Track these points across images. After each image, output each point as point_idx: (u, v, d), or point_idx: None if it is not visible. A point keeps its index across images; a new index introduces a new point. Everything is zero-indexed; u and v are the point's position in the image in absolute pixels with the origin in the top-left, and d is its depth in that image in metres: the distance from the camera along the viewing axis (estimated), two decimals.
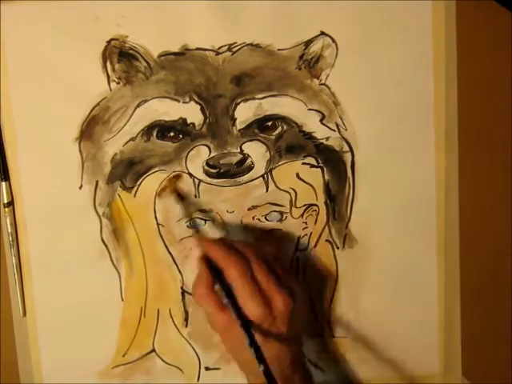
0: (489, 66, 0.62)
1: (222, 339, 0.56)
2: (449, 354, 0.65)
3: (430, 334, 0.65)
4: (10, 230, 0.60)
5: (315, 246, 0.63)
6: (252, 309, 0.52)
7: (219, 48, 0.59)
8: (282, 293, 0.53)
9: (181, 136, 0.60)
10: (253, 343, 0.50)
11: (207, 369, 0.65)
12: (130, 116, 0.59)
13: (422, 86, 0.62)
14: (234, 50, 0.59)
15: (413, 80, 0.62)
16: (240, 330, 0.51)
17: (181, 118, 0.59)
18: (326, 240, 0.63)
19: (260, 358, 0.49)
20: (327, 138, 0.61)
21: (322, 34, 0.60)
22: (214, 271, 0.54)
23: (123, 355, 0.64)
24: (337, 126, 0.61)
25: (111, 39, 0.58)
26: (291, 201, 0.62)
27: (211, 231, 0.62)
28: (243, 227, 0.62)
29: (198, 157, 0.60)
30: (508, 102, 0.63)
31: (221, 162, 0.60)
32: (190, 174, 0.60)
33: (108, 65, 0.58)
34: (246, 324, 0.51)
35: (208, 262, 0.54)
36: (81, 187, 0.60)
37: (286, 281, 0.55)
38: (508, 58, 0.62)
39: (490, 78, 0.62)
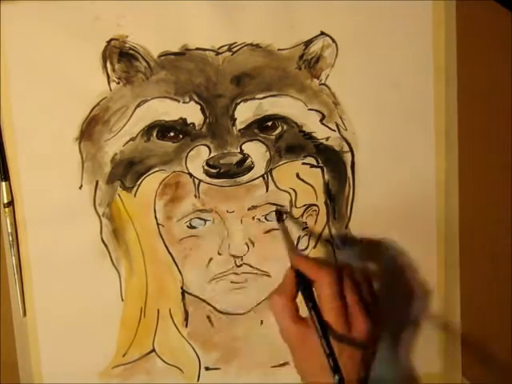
0: (489, 66, 0.62)
1: (291, 352, 0.55)
2: (449, 353, 0.65)
3: (430, 334, 0.65)
4: (9, 230, 0.60)
5: (315, 246, 0.63)
6: (333, 323, 0.51)
7: (219, 48, 0.59)
8: (365, 318, 0.52)
9: (181, 136, 0.60)
10: (330, 351, 0.49)
11: (207, 369, 0.65)
12: (130, 116, 0.59)
13: (422, 86, 0.62)
14: (234, 50, 0.59)
15: (413, 80, 0.62)
16: (313, 343, 0.50)
17: (181, 118, 0.59)
18: (326, 240, 0.63)
19: (336, 368, 0.48)
20: (327, 138, 0.61)
21: (322, 34, 0.60)
22: (301, 281, 0.53)
23: (123, 355, 0.63)
24: (337, 126, 0.61)
25: (111, 39, 0.58)
26: (291, 201, 0.62)
27: (211, 231, 0.62)
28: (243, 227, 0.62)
29: (198, 157, 0.60)
30: (508, 102, 0.63)
31: (221, 161, 0.60)
32: (190, 174, 0.60)
33: (108, 65, 0.58)
34: (325, 331, 0.50)
35: (297, 274, 0.54)
36: (81, 187, 0.60)
37: (372, 306, 0.54)
38: (508, 58, 0.62)
39: (489, 78, 0.62)
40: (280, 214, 0.62)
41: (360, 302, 0.53)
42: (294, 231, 0.63)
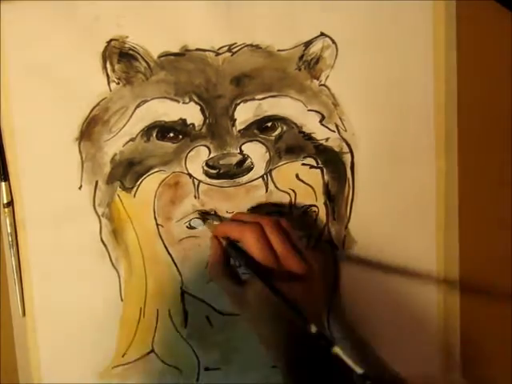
0: (489, 66, 0.62)
1: (243, 315, 0.56)
2: (449, 353, 0.65)
3: (429, 336, 0.65)
4: (9, 230, 0.60)
5: (314, 246, 0.63)
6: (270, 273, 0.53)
7: (219, 49, 0.59)
8: (297, 259, 0.54)
9: (180, 136, 0.60)
10: (277, 291, 0.50)
11: (206, 369, 0.65)
12: (130, 116, 0.59)
13: (422, 87, 0.62)
14: (234, 50, 0.59)
15: (413, 81, 0.62)
16: (261, 301, 0.52)
17: (180, 119, 0.59)
18: (326, 241, 0.63)
19: (288, 303, 0.49)
20: (327, 139, 0.61)
21: (322, 34, 0.60)
22: (229, 245, 0.55)
23: (122, 355, 0.64)
24: (336, 126, 0.61)
25: (111, 39, 0.58)
26: (291, 201, 0.62)
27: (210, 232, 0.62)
28: None
29: (198, 157, 0.60)
30: (508, 103, 0.63)
31: (220, 162, 0.60)
32: (190, 175, 0.60)
33: (108, 65, 0.58)
34: (264, 276, 0.52)
35: (221, 241, 0.56)
36: (80, 187, 0.60)
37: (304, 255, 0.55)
38: (508, 58, 0.62)
39: (490, 78, 0.62)
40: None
41: (288, 245, 0.54)
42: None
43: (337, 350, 0.46)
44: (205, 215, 0.61)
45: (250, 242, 0.54)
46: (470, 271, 0.65)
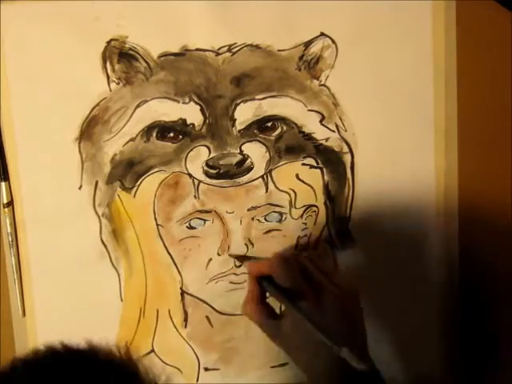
0: (489, 66, 0.62)
1: (284, 349, 0.56)
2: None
3: (429, 338, 0.65)
4: (9, 230, 0.60)
5: (315, 246, 0.63)
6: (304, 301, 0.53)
7: (219, 49, 0.59)
8: (334, 289, 0.54)
9: (180, 136, 0.60)
10: (316, 323, 0.50)
11: (206, 369, 0.65)
12: (130, 116, 0.59)
13: (422, 87, 0.62)
14: (234, 50, 0.59)
15: (412, 81, 0.62)
16: (298, 331, 0.52)
17: (180, 119, 0.59)
18: (326, 241, 0.63)
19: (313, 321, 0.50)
20: (327, 139, 0.61)
21: (322, 34, 0.60)
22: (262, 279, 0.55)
23: None
24: (336, 126, 0.61)
25: (111, 39, 0.58)
26: (291, 201, 0.62)
27: (210, 232, 0.62)
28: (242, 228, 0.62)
29: (198, 157, 0.60)
30: (508, 102, 0.63)
31: (220, 162, 0.60)
32: (190, 175, 0.60)
33: (108, 65, 0.58)
34: (293, 298, 0.52)
35: (257, 278, 0.56)
36: (80, 187, 0.60)
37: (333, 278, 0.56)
38: (508, 58, 0.62)
39: (489, 78, 0.63)
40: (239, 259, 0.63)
41: (321, 276, 0.54)
42: (294, 232, 0.63)
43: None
44: (242, 258, 0.62)
45: (281, 274, 0.54)
46: (470, 271, 0.65)
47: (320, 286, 0.54)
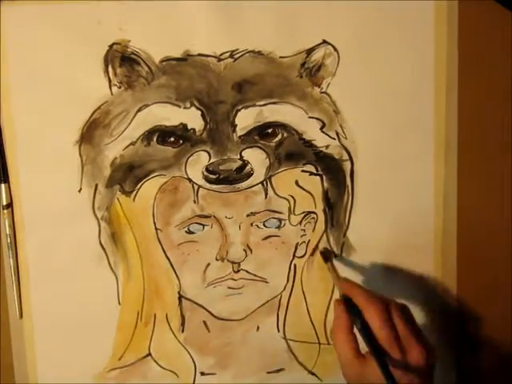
0: (490, 74, 0.62)
1: None
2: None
3: None
4: (8, 232, 0.60)
5: (313, 253, 0.63)
6: (388, 351, 0.51)
7: (221, 54, 0.59)
8: (419, 344, 0.52)
9: (181, 141, 0.60)
10: (390, 378, 0.49)
11: (202, 374, 0.65)
12: (131, 120, 0.59)
13: (423, 96, 0.62)
14: (236, 56, 0.59)
15: (413, 89, 0.62)
16: (373, 379, 0.50)
17: (181, 124, 0.59)
18: (321, 252, 0.63)
19: (389, 376, 0.48)
20: (327, 146, 0.62)
21: (324, 42, 0.60)
22: (352, 312, 0.53)
23: (119, 359, 0.63)
24: (337, 134, 0.61)
25: (113, 43, 0.58)
26: (290, 208, 0.62)
27: (209, 237, 0.62)
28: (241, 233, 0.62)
29: (198, 162, 0.60)
30: (509, 109, 0.63)
31: (220, 167, 0.60)
32: (190, 180, 0.60)
33: (110, 69, 0.58)
34: (383, 360, 0.50)
35: (346, 304, 0.54)
36: (80, 190, 0.60)
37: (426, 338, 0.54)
38: (508, 58, 0.62)
39: (491, 86, 0.63)
40: (327, 254, 0.62)
41: (412, 330, 0.52)
42: (293, 238, 0.63)
43: None
44: (329, 253, 0.62)
45: (374, 315, 0.52)
46: (469, 279, 0.65)
47: (411, 344, 0.52)
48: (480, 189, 0.64)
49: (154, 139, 0.60)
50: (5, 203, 0.60)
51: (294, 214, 0.62)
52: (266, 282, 0.64)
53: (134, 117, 0.59)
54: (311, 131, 0.61)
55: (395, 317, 0.53)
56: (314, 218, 0.63)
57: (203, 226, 0.62)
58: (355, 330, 0.53)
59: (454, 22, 0.61)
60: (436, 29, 0.61)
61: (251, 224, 0.62)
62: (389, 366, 0.49)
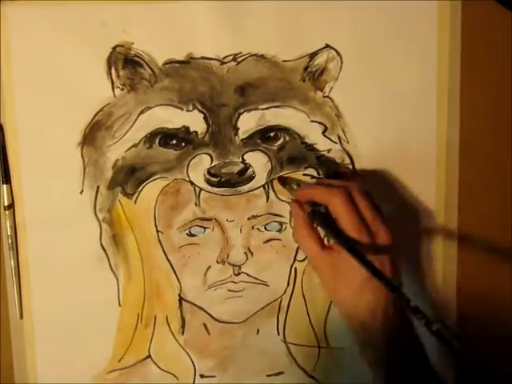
0: (494, 78, 0.62)
1: (325, 282, 0.55)
2: None
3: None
4: (9, 233, 0.60)
5: None
6: (356, 235, 0.52)
7: (224, 57, 0.59)
8: (385, 225, 0.53)
9: (183, 144, 0.60)
10: (365, 262, 0.49)
11: (202, 376, 0.65)
12: (133, 122, 0.59)
13: (425, 100, 0.62)
14: (239, 59, 0.59)
15: (416, 94, 0.62)
16: (344, 266, 0.51)
17: (184, 126, 0.59)
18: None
19: (379, 274, 0.49)
20: (329, 150, 0.62)
21: (327, 46, 0.60)
22: (313, 212, 0.54)
23: (119, 360, 0.63)
24: (339, 138, 0.61)
25: (116, 45, 0.58)
26: (291, 211, 0.62)
27: (210, 239, 0.62)
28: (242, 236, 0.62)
29: (200, 165, 0.60)
30: (510, 106, 0.63)
31: (222, 170, 0.60)
32: (191, 182, 0.60)
33: (113, 71, 0.58)
34: (354, 248, 0.50)
35: (306, 207, 0.55)
36: (82, 192, 0.60)
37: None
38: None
39: (492, 90, 0.63)
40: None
41: (376, 212, 0.53)
42: (293, 242, 0.63)
43: (437, 326, 0.46)
44: (285, 179, 0.61)
45: (340, 206, 0.52)
46: (469, 282, 0.65)
47: (377, 225, 0.53)
48: (482, 190, 0.64)
49: (156, 142, 0.60)
50: (6, 204, 0.60)
51: None
52: (267, 286, 0.64)
53: (136, 119, 0.59)
54: (313, 135, 0.61)
55: (359, 202, 0.53)
56: None
57: (204, 228, 0.62)
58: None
59: (457, 26, 0.61)
60: (439, 34, 0.61)
61: (252, 227, 0.62)
62: (361, 252, 0.50)
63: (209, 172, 0.60)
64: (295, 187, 0.59)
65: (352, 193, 0.54)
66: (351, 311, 0.54)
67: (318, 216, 0.54)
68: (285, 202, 0.62)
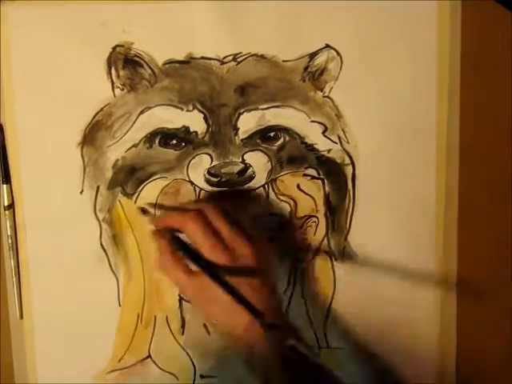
0: (493, 79, 0.62)
1: (196, 306, 0.56)
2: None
3: (427, 349, 0.65)
4: (9, 233, 0.60)
5: (313, 257, 0.63)
6: (216, 257, 0.52)
7: (224, 57, 0.59)
8: (247, 243, 0.53)
9: (183, 144, 0.60)
10: (227, 286, 0.50)
11: (202, 376, 0.65)
12: (133, 123, 0.59)
13: (425, 100, 0.62)
14: (239, 59, 0.59)
15: (416, 94, 0.62)
16: (211, 290, 0.51)
17: (184, 126, 0.59)
18: (325, 252, 0.63)
19: (239, 298, 0.50)
20: (329, 151, 0.62)
21: (327, 46, 0.60)
22: (173, 239, 0.54)
23: (119, 360, 0.64)
24: (339, 138, 0.61)
25: (117, 46, 0.58)
26: (291, 211, 0.62)
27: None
28: None
29: (200, 165, 0.60)
30: (509, 107, 0.63)
31: (222, 171, 0.60)
32: (191, 182, 0.61)
33: (113, 71, 0.58)
34: (214, 273, 0.51)
35: (166, 234, 0.55)
36: (82, 192, 0.60)
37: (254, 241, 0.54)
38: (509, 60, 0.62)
39: (493, 91, 0.63)
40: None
41: (236, 231, 0.53)
42: (294, 242, 0.63)
43: (292, 342, 0.47)
44: (145, 209, 0.61)
45: (194, 230, 0.53)
46: (469, 284, 0.65)
47: (237, 242, 0.53)
48: (481, 191, 0.64)
49: (156, 142, 0.60)
50: (6, 204, 0.60)
51: (296, 218, 0.62)
52: None
53: (136, 119, 0.59)
54: (313, 135, 0.61)
55: (215, 222, 0.53)
56: (315, 221, 0.63)
57: None
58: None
59: (457, 26, 0.61)
60: (439, 34, 0.61)
61: None
62: (222, 276, 0.50)
63: (209, 172, 0.60)
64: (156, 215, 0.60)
65: (207, 214, 0.54)
66: (229, 331, 0.54)
67: (177, 242, 0.54)
68: (285, 202, 0.62)
